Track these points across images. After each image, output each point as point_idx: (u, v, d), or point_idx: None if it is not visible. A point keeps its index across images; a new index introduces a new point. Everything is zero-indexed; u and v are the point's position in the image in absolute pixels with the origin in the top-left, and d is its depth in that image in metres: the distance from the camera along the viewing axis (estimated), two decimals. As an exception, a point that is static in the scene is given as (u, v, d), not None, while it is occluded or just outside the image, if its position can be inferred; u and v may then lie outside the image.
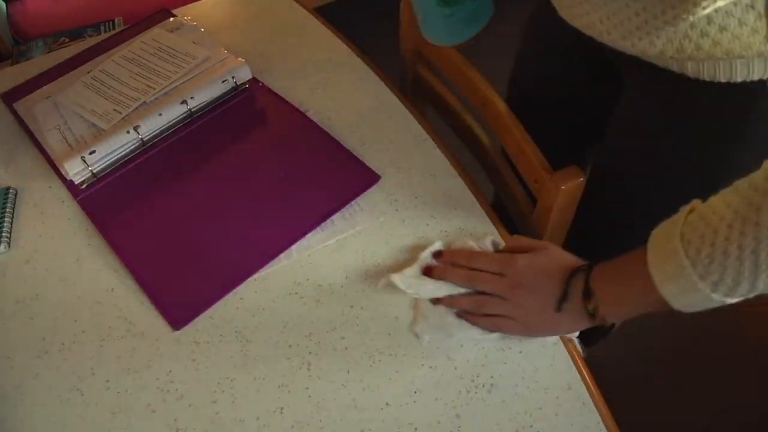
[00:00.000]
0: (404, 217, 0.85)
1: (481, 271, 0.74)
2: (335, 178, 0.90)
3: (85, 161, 0.90)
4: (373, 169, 0.90)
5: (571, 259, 0.72)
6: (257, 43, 1.11)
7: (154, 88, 1.01)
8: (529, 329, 0.72)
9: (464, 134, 1.05)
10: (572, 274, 0.69)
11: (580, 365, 0.71)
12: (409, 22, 1.06)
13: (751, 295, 0.56)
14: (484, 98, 0.93)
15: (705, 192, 0.60)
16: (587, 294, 0.67)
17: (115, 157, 0.94)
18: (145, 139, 0.95)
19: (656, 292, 0.60)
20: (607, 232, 0.99)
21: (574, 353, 0.72)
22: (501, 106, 0.90)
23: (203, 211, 0.88)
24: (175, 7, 1.22)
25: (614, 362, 1.58)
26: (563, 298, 0.68)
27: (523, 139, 0.86)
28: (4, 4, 1.84)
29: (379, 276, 0.78)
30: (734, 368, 1.57)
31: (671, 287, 0.59)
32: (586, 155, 1.08)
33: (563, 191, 0.79)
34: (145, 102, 1.00)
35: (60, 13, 1.84)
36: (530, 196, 0.92)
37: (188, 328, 0.76)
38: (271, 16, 1.18)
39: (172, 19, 1.16)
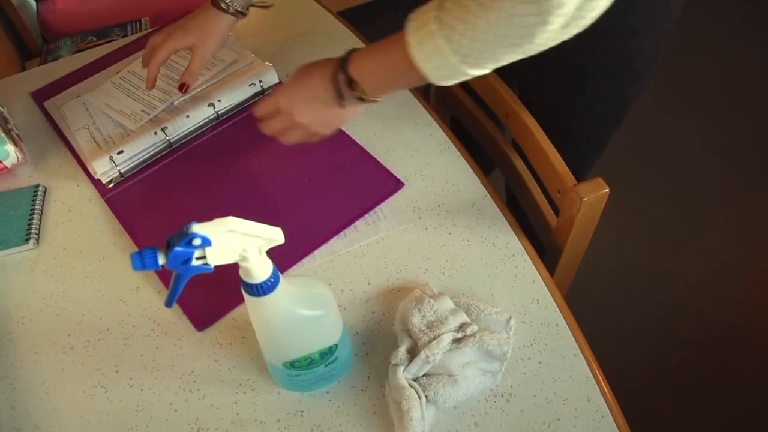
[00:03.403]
0: (427, 225, 0.85)
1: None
2: (359, 183, 0.90)
3: (113, 161, 0.92)
4: (397, 175, 0.90)
5: (327, 61, 0.76)
6: (284, 48, 1.12)
7: None
8: (316, 132, 0.81)
9: (487, 143, 1.06)
10: (335, 72, 0.74)
11: (599, 377, 0.71)
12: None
13: (493, 67, 0.64)
14: (508, 108, 0.93)
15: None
16: (350, 83, 0.73)
17: (143, 158, 0.95)
18: (172, 141, 0.97)
19: (416, 70, 0.67)
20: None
21: (594, 365, 0.72)
22: (525, 116, 0.90)
23: (227, 213, 0.89)
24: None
25: (630, 374, 1.57)
26: (340, 95, 0.74)
27: (547, 150, 0.86)
28: (34, 3, 1.87)
29: (402, 285, 0.79)
30: (751, 381, 1.56)
31: (429, 65, 0.65)
32: None
33: (586, 203, 0.79)
34: (172, 103, 1.01)
35: (88, 12, 1.86)
36: (553, 206, 0.92)
37: (211, 330, 0.77)
38: (298, 21, 1.19)
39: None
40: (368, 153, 0.94)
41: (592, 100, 0.99)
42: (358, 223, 0.86)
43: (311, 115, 0.79)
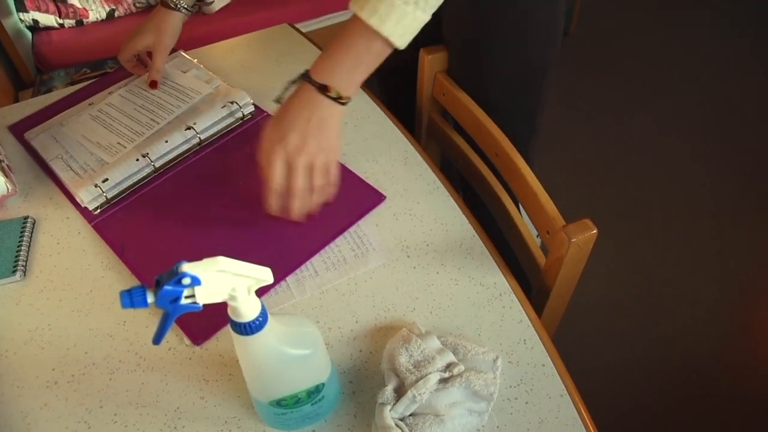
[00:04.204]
0: (415, 264, 0.86)
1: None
2: (344, 197, 0.92)
3: (99, 188, 0.93)
4: (385, 215, 0.92)
5: (294, 93, 0.82)
6: (278, 86, 1.13)
7: (158, 122, 1.05)
8: (317, 158, 0.81)
9: (477, 182, 1.07)
10: (303, 87, 0.80)
11: (586, 419, 0.71)
12: (428, 69, 1.08)
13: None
14: (498, 148, 0.95)
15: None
16: (323, 89, 0.79)
17: (129, 183, 0.97)
18: (156, 165, 0.98)
19: (376, 41, 0.75)
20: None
21: (580, 406, 0.72)
22: (516, 156, 0.91)
23: (215, 233, 0.91)
24: (195, 47, 1.25)
25: (617, 415, 1.57)
26: (317, 100, 0.79)
27: (537, 190, 0.87)
28: (30, 34, 1.88)
29: (389, 323, 0.79)
30: (738, 421, 1.56)
31: (389, 24, 0.73)
32: None
33: (574, 244, 0.80)
34: (149, 135, 1.04)
35: (83, 44, 1.87)
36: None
37: (197, 366, 0.77)
38: (290, 60, 1.21)
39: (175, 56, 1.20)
40: (350, 170, 0.97)
41: (498, 63, 1.06)
42: (347, 254, 0.86)
43: (300, 134, 0.79)
